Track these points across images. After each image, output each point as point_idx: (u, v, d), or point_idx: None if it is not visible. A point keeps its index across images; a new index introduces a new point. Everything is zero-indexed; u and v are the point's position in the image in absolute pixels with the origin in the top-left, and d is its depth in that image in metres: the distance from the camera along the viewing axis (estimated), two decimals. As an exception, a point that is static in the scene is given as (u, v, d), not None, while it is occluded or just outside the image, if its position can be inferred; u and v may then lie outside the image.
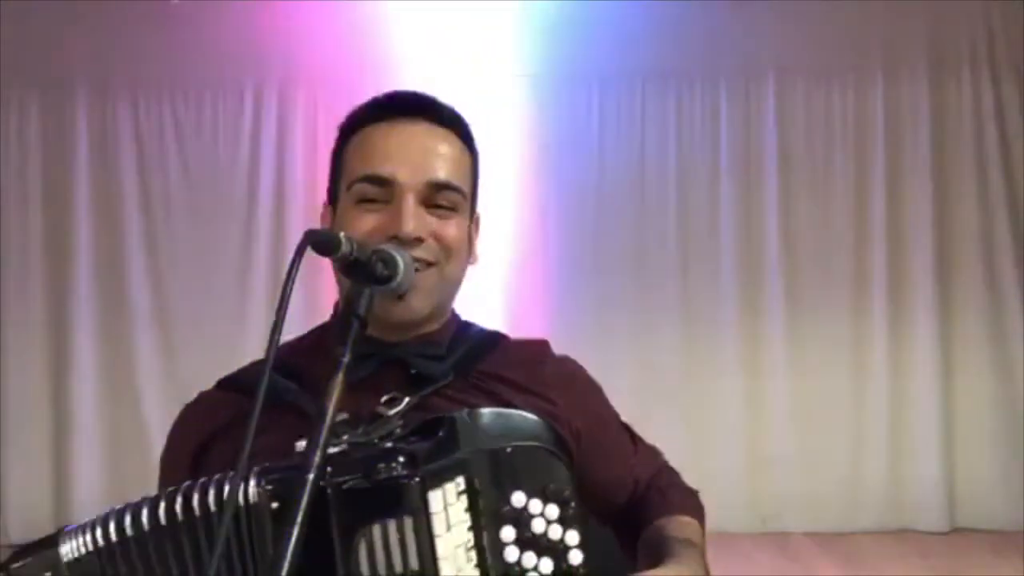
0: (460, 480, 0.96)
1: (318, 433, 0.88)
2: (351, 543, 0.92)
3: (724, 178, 4.86)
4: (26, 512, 4.71)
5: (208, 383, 1.23)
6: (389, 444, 1.01)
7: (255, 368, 1.21)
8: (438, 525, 0.93)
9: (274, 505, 0.94)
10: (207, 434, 1.16)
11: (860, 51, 4.84)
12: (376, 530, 0.92)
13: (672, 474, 1.33)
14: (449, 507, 0.94)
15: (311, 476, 0.86)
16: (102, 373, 4.80)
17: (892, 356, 4.79)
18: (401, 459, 0.95)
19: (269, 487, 0.95)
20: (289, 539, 0.82)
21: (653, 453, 1.34)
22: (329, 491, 0.93)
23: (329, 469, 0.93)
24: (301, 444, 0.99)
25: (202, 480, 1.00)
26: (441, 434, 0.99)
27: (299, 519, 0.83)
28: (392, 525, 0.92)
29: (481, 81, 4.57)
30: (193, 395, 1.24)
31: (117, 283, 4.83)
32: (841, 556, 4.35)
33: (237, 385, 1.19)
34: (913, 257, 4.79)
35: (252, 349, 1.12)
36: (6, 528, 4.71)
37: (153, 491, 1.22)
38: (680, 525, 1.21)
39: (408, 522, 0.92)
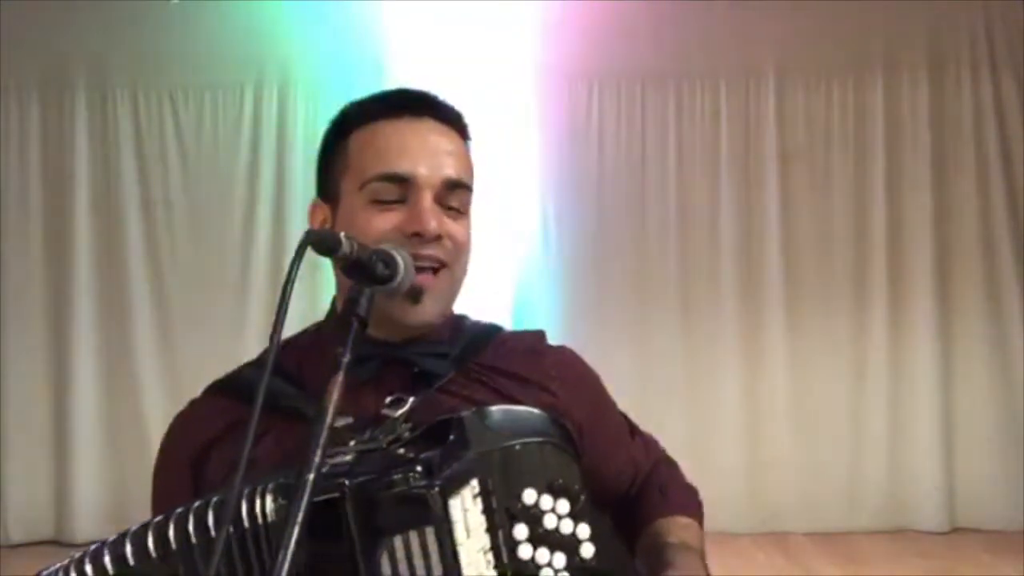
0: (475, 483, 0.95)
1: (318, 434, 0.87)
2: (372, 555, 0.91)
3: (724, 178, 4.86)
4: (26, 512, 4.72)
5: (208, 382, 1.21)
6: (401, 450, 1.00)
7: (248, 372, 1.19)
8: (459, 532, 0.92)
9: None
10: (203, 443, 1.13)
11: (860, 51, 4.83)
12: (398, 541, 0.91)
13: (671, 467, 1.33)
14: (467, 512, 0.94)
15: (311, 477, 0.84)
16: (102, 373, 4.80)
17: (892, 356, 4.79)
18: (419, 468, 0.93)
19: (284, 502, 0.93)
20: (289, 540, 0.81)
21: (653, 443, 1.34)
22: (348, 503, 0.91)
23: (346, 481, 0.92)
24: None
25: (215, 499, 0.96)
26: (452, 437, 0.98)
27: (299, 519, 0.82)
28: (414, 536, 0.91)
29: (481, 81, 4.56)
30: (193, 395, 1.22)
31: (117, 283, 4.83)
32: (841, 556, 4.35)
33: (230, 390, 1.17)
34: (913, 257, 4.79)
35: (252, 349, 1.11)
36: (6, 528, 4.71)
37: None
38: (679, 528, 1.20)
39: (430, 532, 0.91)
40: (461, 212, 1.16)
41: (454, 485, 0.93)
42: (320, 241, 0.96)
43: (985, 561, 4.24)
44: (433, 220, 1.10)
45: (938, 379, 4.74)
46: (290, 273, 0.90)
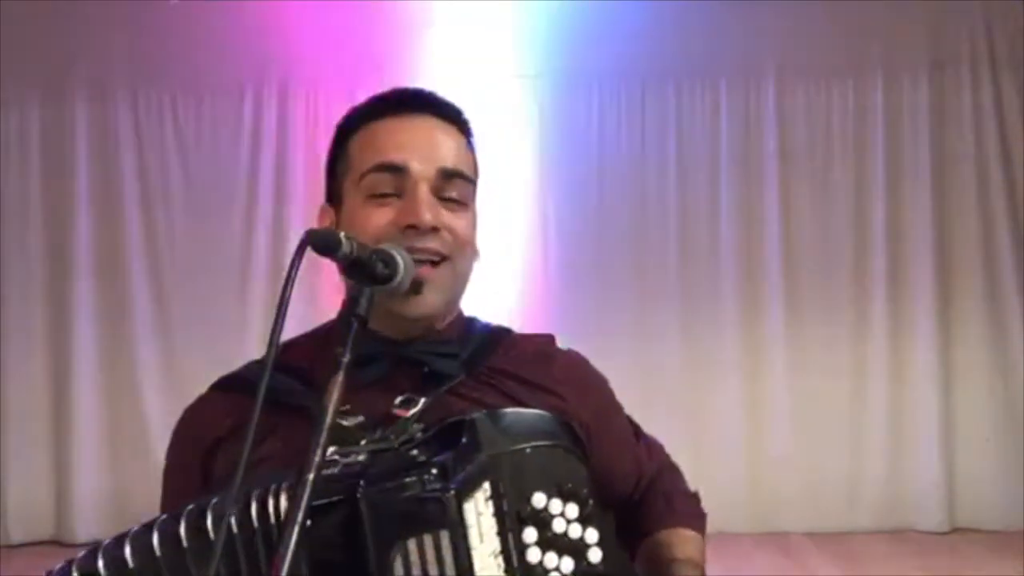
0: (487, 486, 0.95)
1: (319, 433, 0.87)
2: (386, 558, 0.91)
3: (724, 179, 4.86)
4: (26, 512, 4.72)
5: (208, 383, 1.22)
6: (414, 452, 0.99)
7: (256, 368, 1.19)
8: (473, 537, 0.92)
9: (308, 522, 0.91)
10: (212, 439, 1.13)
11: (860, 51, 4.83)
12: (412, 544, 0.91)
13: (675, 474, 1.34)
14: (480, 516, 0.94)
15: (311, 476, 0.84)
16: (102, 373, 4.80)
17: (892, 356, 4.79)
18: (434, 471, 0.93)
19: None
20: (289, 539, 0.81)
21: (657, 448, 1.34)
22: (362, 504, 0.91)
23: (361, 482, 0.92)
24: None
25: (214, 500, 0.96)
26: (464, 439, 0.98)
27: (299, 518, 0.82)
28: (428, 539, 0.91)
29: (481, 81, 4.56)
30: (193, 395, 1.22)
31: (117, 283, 4.83)
32: (840, 556, 4.35)
33: (239, 386, 1.17)
34: (913, 257, 4.79)
35: (252, 349, 1.11)
36: (6, 528, 4.71)
37: (152, 492, 1.22)
38: (682, 541, 1.21)
39: (444, 536, 0.91)
40: (462, 204, 1.15)
41: (468, 488, 0.93)
42: (320, 241, 0.95)
43: (985, 561, 4.24)
44: (428, 212, 1.10)
45: (938, 379, 4.74)
46: (290, 273, 0.89)
